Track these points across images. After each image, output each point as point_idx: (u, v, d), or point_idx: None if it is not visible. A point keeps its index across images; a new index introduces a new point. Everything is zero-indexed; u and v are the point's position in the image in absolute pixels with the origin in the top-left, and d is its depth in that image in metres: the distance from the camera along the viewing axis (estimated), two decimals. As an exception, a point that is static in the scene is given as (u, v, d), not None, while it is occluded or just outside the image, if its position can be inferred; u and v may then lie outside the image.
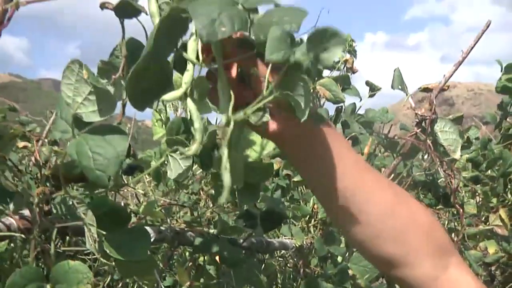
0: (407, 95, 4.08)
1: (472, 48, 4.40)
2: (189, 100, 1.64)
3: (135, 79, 1.69)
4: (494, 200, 4.87)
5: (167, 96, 1.71)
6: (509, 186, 5.09)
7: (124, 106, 1.97)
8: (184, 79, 1.63)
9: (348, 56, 4.26)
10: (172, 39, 1.73)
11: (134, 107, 1.81)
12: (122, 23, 1.92)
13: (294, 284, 3.49)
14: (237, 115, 1.42)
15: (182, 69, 1.66)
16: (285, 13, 1.65)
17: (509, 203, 5.00)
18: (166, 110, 2.40)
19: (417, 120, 4.13)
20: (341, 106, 4.19)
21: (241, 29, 1.67)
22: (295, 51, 1.57)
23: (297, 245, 3.43)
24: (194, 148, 1.81)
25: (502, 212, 4.63)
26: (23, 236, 2.07)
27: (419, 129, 4.18)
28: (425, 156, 4.26)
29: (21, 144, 3.01)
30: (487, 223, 4.59)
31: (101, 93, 1.81)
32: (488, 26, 4.51)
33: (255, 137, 2.23)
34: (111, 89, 1.92)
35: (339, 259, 3.52)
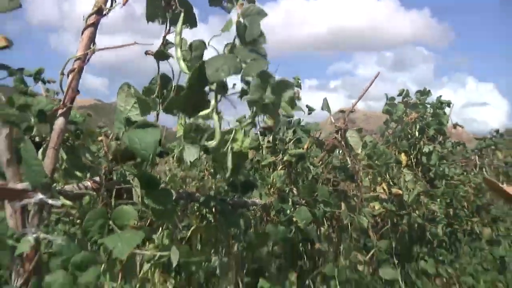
0: (330, 114, 4.06)
1: (367, 90, 4.44)
2: (215, 115, 1.72)
3: (187, 98, 1.83)
4: (379, 178, 4.87)
5: (202, 113, 1.81)
6: (387, 170, 5.15)
7: (158, 115, 1.93)
8: (211, 104, 1.81)
9: (296, 89, 4.22)
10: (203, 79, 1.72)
11: (184, 113, 1.97)
12: (158, 64, 1.87)
13: (261, 226, 3.43)
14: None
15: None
16: (255, 66, 1.71)
17: (387, 180, 5.04)
18: (184, 119, 2.34)
19: (336, 130, 4.13)
20: (291, 120, 4.16)
21: (234, 74, 1.71)
22: (266, 93, 1.65)
23: (263, 203, 3.38)
24: (215, 143, 1.84)
25: (384, 185, 4.71)
26: (95, 193, 2.01)
27: (337, 135, 4.18)
28: (340, 151, 4.24)
29: (99, 139, 2.98)
30: (375, 192, 4.61)
31: (142, 102, 1.77)
32: (376, 76, 4.53)
33: (238, 135, 2.19)
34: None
35: (288, 212, 3.48)
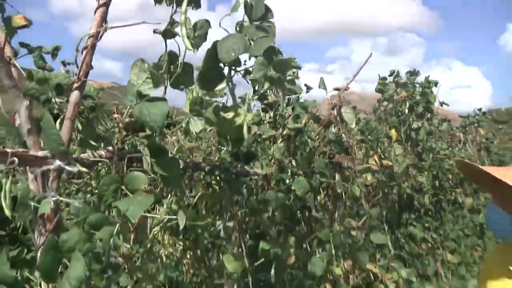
0: (326, 92, 4.06)
1: (360, 69, 4.44)
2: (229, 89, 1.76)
3: (203, 75, 1.88)
4: (371, 152, 4.89)
5: (218, 87, 1.85)
6: (379, 144, 5.16)
7: (165, 89, 1.94)
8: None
9: (295, 70, 4.22)
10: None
11: (201, 88, 2.04)
12: (165, 41, 1.88)
13: (262, 194, 3.46)
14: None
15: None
16: (261, 44, 1.72)
17: (379, 153, 5.07)
18: (192, 93, 2.35)
19: (332, 106, 4.13)
20: (291, 97, 4.17)
21: (244, 53, 1.73)
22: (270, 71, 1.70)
23: (264, 173, 3.41)
24: (232, 114, 1.90)
25: (375, 158, 4.72)
26: (108, 161, 2.03)
27: (333, 111, 4.18)
28: (335, 126, 4.25)
29: (114, 115, 3.01)
30: (367, 164, 4.62)
31: (154, 76, 1.78)
32: (369, 57, 4.52)
33: (240, 111, 2.20)
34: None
35: (287, 181, 3.51)
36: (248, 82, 2.17)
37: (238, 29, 1.83)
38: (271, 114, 3.98)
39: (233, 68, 1.83)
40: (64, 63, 2.90)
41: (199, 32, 1.88)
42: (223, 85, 1.84)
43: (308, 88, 4.38)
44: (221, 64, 1.81)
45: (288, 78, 4.03)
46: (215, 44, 1.74)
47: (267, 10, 1.79)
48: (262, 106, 3.95)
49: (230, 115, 2.12)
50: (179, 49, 1.94)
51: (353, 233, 4.14)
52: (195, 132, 2.03)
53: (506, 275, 2.09)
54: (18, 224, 2.23)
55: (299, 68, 4.24)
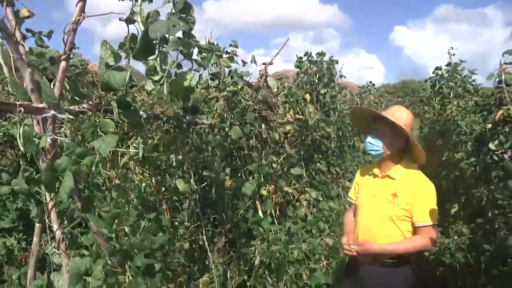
0: (256, 65, 4.15)
1: (281, 49, 4.51)
2: (157, 59, 1.83)
3: (140, 49, 1.87)
4: (292, 109, 5.03)
5: (150, 58, 1.90)
6: (298, 104, 5.29)
7: (129, 60, 2.02)
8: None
9: (233, 49, 4.22)
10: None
11: (137, 58, 1.98)
12: (127, 26, 1.96)
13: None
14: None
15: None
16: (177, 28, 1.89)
17: (297, 111, 5.21)
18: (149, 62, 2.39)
19: (260, 75, 4.26)
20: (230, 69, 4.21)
21: (167, 33, 1.82)
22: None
23: (209, 123, 3.52)
24: (157, 78, 1.95)
25: (291, 113, 4.83)
26: (89, 111, 2.13)
27: (262, 80, 4.29)
28: (263, 91, 4.34)
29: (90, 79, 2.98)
30: (287, 118, 4.76)
31: (115, 54, 1.87)
32: (287, 41, 4.63)
33: (187, 75, 2.30)
34: (122, 54, 1.99)
35: (226, 129, 3.63)
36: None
37: (167, 17, 1.92)
38: (216, 81, 4.03)
39: (162, 44, 1.91)
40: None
41: (151, 19, 1.97)
42: (153, 56, 1.92)
43: (244, 63, 4.43)
44: (154, 41, 1.88)
45: (229, 55, 4.10)
46: (147, 27, 1.83)
47: (188, 6, 1.89)
48: (210, 75, 4.00)
49: (180, 78, 2.23)
50: (138, 32, 2.03)
51: (274, 165, 4.33)
52: (149, 90, 2.13)
53: (371, 177, 2.64)
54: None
55: (237, 47, 4.22)
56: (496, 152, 3.93)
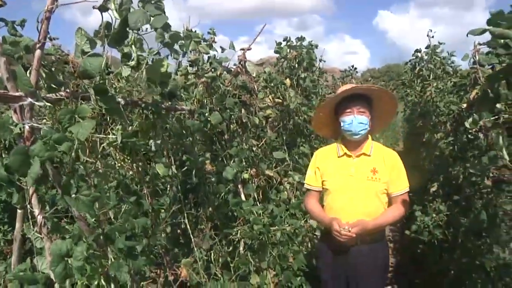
0: (235, 51, 4.19)
1: (258, 34, 4.53)
2: (133, 46, 1.88)
3: (117, 34, 1.88)
4: (272, 94, 5.08)
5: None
6: (278, 89, 5.35)
7: (103, 47, 2.07)
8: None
9: (211, 36, 4.25)
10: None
11: (111, 45, 2.00)
12: (101, 14, 2.01)
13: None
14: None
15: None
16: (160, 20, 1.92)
17: (277, 95, 5.27)
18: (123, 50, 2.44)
19: (239, 61, 4.30)
20: (209, 55, 4.23)
21: (147, 24, 1.88)
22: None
23: (188, 108, 3.57)
24: (133, 63, 2.00)
25: (270, 97, 4.88)
26: (67, 97, 2.16)
27: (241, 65, 4.33)
28: (242, 76, 4.38)
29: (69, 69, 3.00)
30: (267, 102, 4.81)
31: (91, 40, 1.92)
32: (264, 27, 4.65)
33: (164, 62, 2.35)
34: (98, 42, 2.04)
35: (206, 114, 3.68)
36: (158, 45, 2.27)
37: (140, 5, 1.97)
38: (196, 67, 4.05)
39: (135, 32, 1.97)
40: (50, 38, 2.90)
41: (124, 6, 2.02)
42: (127, 41, 1.97)
43: (223, 49, 4.46)
44: (127, 29, 1.93)
45: (207, 43, 4.13)
46: (126, 15, 1.89)
47: (158, -5, 1.95)
48: (188, 62, 4.02)
49: (157, 65, 2.29)
50: (112, 19, 2.07)
51: (254, 149, 4.40)
52: (125, 76, 2.18)
53: (343, 158, 2.76)
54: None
55: (215, 34, 4.25)
56: (470, 131, 4.07)
